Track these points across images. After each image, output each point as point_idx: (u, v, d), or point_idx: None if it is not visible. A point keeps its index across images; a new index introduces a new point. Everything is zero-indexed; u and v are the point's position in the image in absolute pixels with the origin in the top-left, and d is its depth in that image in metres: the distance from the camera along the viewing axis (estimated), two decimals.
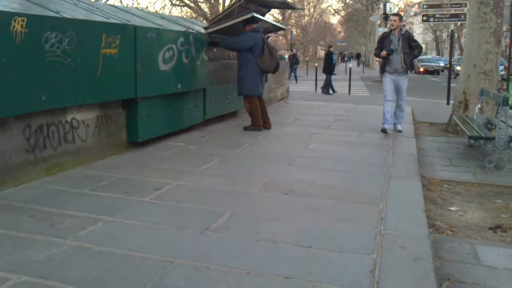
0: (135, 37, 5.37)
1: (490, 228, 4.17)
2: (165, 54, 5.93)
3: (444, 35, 68.47)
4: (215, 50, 7.51)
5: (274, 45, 10.28)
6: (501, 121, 6.10)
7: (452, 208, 4.65)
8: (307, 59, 39.37)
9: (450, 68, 15.23)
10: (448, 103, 14.44)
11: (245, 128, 7.47)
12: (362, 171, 5.18)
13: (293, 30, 54.51)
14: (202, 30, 7.37)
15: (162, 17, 7.29)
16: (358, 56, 58.52)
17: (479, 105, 7.94)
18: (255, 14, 7.27)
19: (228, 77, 7.98)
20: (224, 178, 4.64)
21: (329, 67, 18.14)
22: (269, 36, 18.11)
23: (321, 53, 72.19)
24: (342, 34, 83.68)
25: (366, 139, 7.27)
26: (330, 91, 17.65)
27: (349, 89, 18.29)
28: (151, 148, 5.84)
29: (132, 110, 5.55)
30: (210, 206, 3.77)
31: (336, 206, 3.95)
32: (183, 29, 6.76)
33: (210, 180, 4.52)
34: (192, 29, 7.06)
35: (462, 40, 36.57)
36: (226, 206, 3.77)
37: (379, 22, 37.71)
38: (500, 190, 5.35)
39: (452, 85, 14.58)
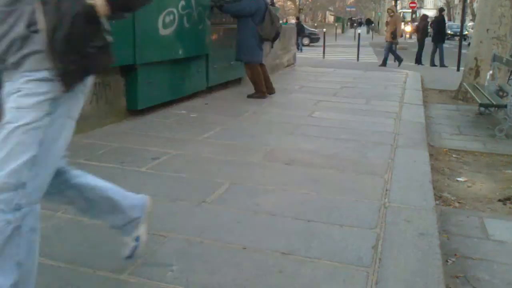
0: None
1: (499, 200, 4.02)
2: (165, 18, 5.72)
3: (456, 0, 66.92)
4: (218, 14, 7.26)
5: (276, 13, 10.00)
6: None
7: (460, 179, 4.50)
8: (316, 24, 38.64)
9: (461, 33, 14.82)
10: (458, 69, 14.12)
11: (249, 96, 7.28)
12: (368, 140, 5.02)
13: None
14: None
15: None
16: (368, 22, 57.34)
17: (490, 72, 7.69)
18: None
19: (232, 43, 7.73)
20: (225, 147, 4.50)
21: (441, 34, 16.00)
22: (273, 2, 17.71)
23: (330, 18, 70.92)
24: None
25: (373, 106, 7.08)
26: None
27: (358, 55, 17.92)
28: (151, 116, 5.70)
29: (131, 77, 5.39)
30: (208, 177, 3.64)
31: (339, 177, 3.81)
32: None
33: (211, 150, 4.39)
34: None
35: (475, 5, 35.58)
36: (225, 177, 3.64)
37: None
38: (511, 159, 5.18)
39: (463, 51, 14.23)
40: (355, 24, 55.20)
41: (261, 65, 7.37)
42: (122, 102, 5.45)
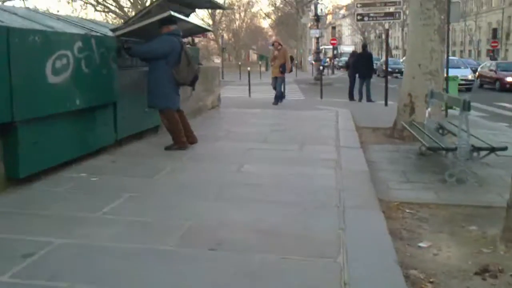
0: (7, 41, 4.07)
1: (476, 274, 3.25)
2: (55, 62, 4.66)
3: (372, 36, 69.96)
4: (127, 56, 6.27)
5: (193, 54, 9.17)
6: (462, 129, 5.29)
7: (422, 245, 3.71)
8: (240, 63, 38.43)
9: (386, 67, 14.70)
10: (386, 104, 13.89)
11: (167, 148, 6.28)
12: (309, 200, 4.15)
13: (224, 34, 53.45)
14: (110, 33, 6.11)
15: (59, 18, 5.96)
16: (291, 59, 58.47)
17: (429, 109, 7.18)
18: (172, 13, 6.10)
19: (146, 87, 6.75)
20: (130, 228, 3.45)
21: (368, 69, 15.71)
22: (189, 42, 16.93)
23: (254, 57, 71.74)
24: (274, 37, 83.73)
25: (308, 153, 6.29)
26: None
27: (284, 93, 17.42)
28: (40, 184, 4.55)
29: (9, 137, 4.25)
30: (98, 285, 2.58)
31: (282, 267, 2.86)
32: (83, 31, 5.48)
33: (110, 233, 3.32)
34: (96, 32, 5.80)
35: (390, 40, 37.01)
36: (125, 282, 2.59)
37: (310, 24, 37.48)
38: (470, 211, 4.51)
39: (390, 85, 14.07)
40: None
41: (179, 111, 6.42)
42: (0, 169, 4.28)
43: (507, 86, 22.27)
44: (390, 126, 8.82)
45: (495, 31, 38.66)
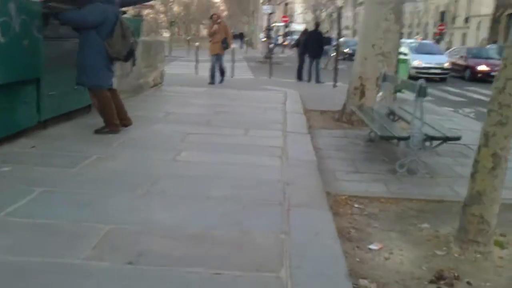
0: None
1: (431, 282, 2.94)
2: None
3: (324, 15, 69.87)
4: (55, 25, 5.56)
5: (136, 25, 8.46)
6: (416, 117, 4.99)
7: (373, 247, 3.37)
8: (189, 38, 37.33)
9: (338, 47, 14.42)
10: (335, 85, 13.65)
11: (97, 131, 5.66)
12: (250, 196, 3.71)
13: (175, 7, 51.82)
14: None
15: None
16: (241, 36, 57.25)
17: (381, 93, 6.88)
18: None
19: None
20: (35, 233, 2.90)
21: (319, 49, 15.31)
22: (140, 14, 15.86)
23: (204, 32, 70.20)
24: (225, 13, 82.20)
25: (253, 139, 5.85)
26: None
27: (232, 71, 16.87)
28: None
29: None
30: None
31: (213, 286, 2.42)
32: None
33: (6, 242, 2.76)
34: None
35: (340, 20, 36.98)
36: None
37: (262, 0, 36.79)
38: (421, 206, 4.23)
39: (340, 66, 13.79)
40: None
41: (111, 90, 5.80)
42: None
43: (479, 75, 19.26)
44: (338, 110, 8.53)
45: (442, 14, 39.18)
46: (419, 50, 20.33)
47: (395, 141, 5.43)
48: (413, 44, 21.71)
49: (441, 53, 21.22)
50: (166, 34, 50.38)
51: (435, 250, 3.36)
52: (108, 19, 5.43)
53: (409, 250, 3.34)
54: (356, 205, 4.19)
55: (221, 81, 12.73)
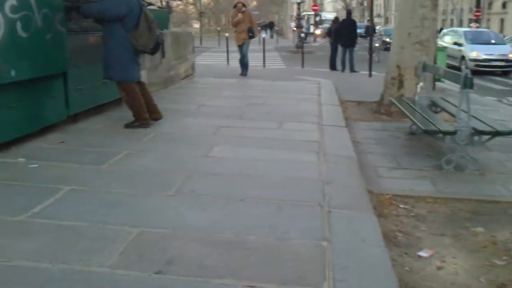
0: None
1: None
2: None
3: (354, 3, 68.58)
4: (80, 18, 5.40)
5: (163, 16, 8.26)
6: (462, 110, 4.63)
7: (423, 254, 3.08)
8: (219, 28, 37.14)
9: (371, 35, 13.95)
10: (370, 75, 13.23)
11: (127, 125, 5.50)
12: (287, 197, 3.46)
13: None
14: None
15: None
16: (271, 25, 56.70)
17: (421, 83, 6.50)
18: None
19: None
20: (59, 236, 2.72)
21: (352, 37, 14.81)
22: (169, 5, 15.59)
23: None
24: (255, 3, 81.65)
25: (287, 133, 5.58)
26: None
27: (264, 61, 16.60)
28: None
29: None
30: None
31: None
32: None
33: (28, 246, 2.57)
34: None
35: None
36: None
37: None
38: (473, 207, 3.90)
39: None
40: (259, 28, 54.26)
41: (140, 83, 5.61)
42: None
43: None
44: (376, 100, 8.17)
45: None
46: (476, 39, 17.91)
47: (439, 135, 5.08)
48: (468, 33, 18.99)
49: (503, 43, 18.79)
50: (196, 25, 50.35)
51: (493, 259, 3.04)
52: (132, 11, 5.22)
53: (464, 258, 3.04)
54: (401, 206, 3.89)
55: (245, 73, 11.87)
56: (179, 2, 38.44)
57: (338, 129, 5.99)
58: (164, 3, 12.60)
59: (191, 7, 56.57)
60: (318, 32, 38.00)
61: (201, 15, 38.14)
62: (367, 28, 17.96)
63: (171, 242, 2.68)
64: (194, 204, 3.25)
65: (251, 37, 11.70)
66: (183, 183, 3.68)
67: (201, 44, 30.56)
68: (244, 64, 11.88)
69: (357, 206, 3.36)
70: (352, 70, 14.59)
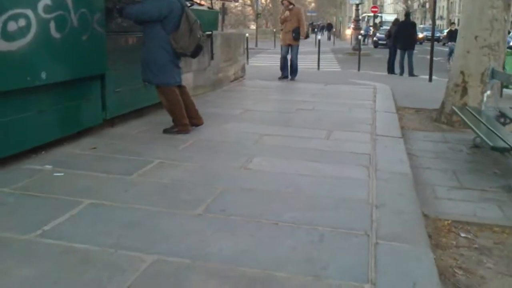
0: None
1: None
2: (7, 25, 3.61)
3: (415, 5, 66.46)
4: (119, 19, 5.18)
5: (212, 17, 7.95)
6: None
7: None
8: (275, 30, 36.83)
9: (433, 37, 13.16)
10: (430, 79, 12.48)
11: (166, 131, 5.23)
12: (328, 222, 3.02)
13: None
14: None
15: None
16: (329, 27, 55.80)
17: (488, 92, 5.86)
18: None
19: None
20: (66, 260, 2.42)
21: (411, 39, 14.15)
22: (225, 7, 15.27)
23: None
24: (313, 4, 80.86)
25: (335, 144, 5.12)
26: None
27: (318, 63, 16.11)
28: None
29: None
30: None
31: None
32: None
33: (31, 273, 2.28)
34: None
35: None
36: None
37: None
38: None
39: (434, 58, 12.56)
40: (315, 30, 53.59)
41: (180, 87, 5.32)
42: None
43: None
44: (436, 108, 7.54)
45: None
46: None
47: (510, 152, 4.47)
48: None
49: None
50: (253, 26, 50.28)
51: None
52: (172, 12, 4.93)
53: None
54: (462, 234, 3.36)
55: (291, 77, 10.99)
56: (237, 4, 38.43)
57: (393, 140, 5.47)
58: (217, 4, 12.35)
59: (248, 8, 56.57)
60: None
61: (257, 16, 37.95)
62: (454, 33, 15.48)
63: (186, 276, 2.31)
64: (221, 227, 2.88)
65: (295, 38, 10.64)
66: (213, 200, 3.32)
67: (256, 45, 30.34)
68: (283, 66, 11.02)
69: (410, 237, 2.87)
70: (411, 74, 13.84)
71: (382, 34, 30.29)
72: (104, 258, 2.46)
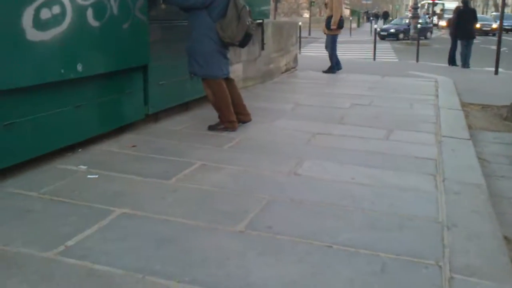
0: None
1: None
2: (40, 12, 3.33)
3: None
4: (163, 6, 4.86)
5: (262, 5, 7.53)
6: None
7: None
8: None
9: (501, 27, 12.19)
10: (496, 72, 11.57)
11: (211, 127, 4.88)
12: (391, 247, 2.56)
13: None
14: None
15: None
16: (385, 15, 53.99)
17: None
18: None
19: None
20: (82, 286, 2.11)
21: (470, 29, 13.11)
22: None
23: (346, 12, 67.94)
24: None
25: (396, 146, 4.62)
26: None
27: (374, 53, 15.40)
28: (13, 181, 3.33)
29: None
30: None
31: None
32: None
33: None
34: None
35: None
36: None
37: None
38: None
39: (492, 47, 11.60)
40: (371, 18, 52.04)
41: (228, 80, 4.94)
42: None
43: None
44: (505, 105, 6.86)
45: None
46: None
47: None
48: None
49: None
50: (306, 15, 49.35)
51: None
52: None
53: None
54: None
55: (323, 70, 10.22)
56: None
57: (460, 142, 4.89)
58: None
59: None
60: (443, 23, 35.39)
61: (311, 4, 37.13)
62: None
63: None
64: (265, 250, 2.49)
65: (327, 27, 9.76)
66: (258, 213, 2.93)
67: (309, 34, 29.68)
68: (331, 62, 10.20)
69: (491, 270, 2.38)
70: (464, 65, 12.91)
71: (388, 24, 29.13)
72: (126, 284, 2.12)
